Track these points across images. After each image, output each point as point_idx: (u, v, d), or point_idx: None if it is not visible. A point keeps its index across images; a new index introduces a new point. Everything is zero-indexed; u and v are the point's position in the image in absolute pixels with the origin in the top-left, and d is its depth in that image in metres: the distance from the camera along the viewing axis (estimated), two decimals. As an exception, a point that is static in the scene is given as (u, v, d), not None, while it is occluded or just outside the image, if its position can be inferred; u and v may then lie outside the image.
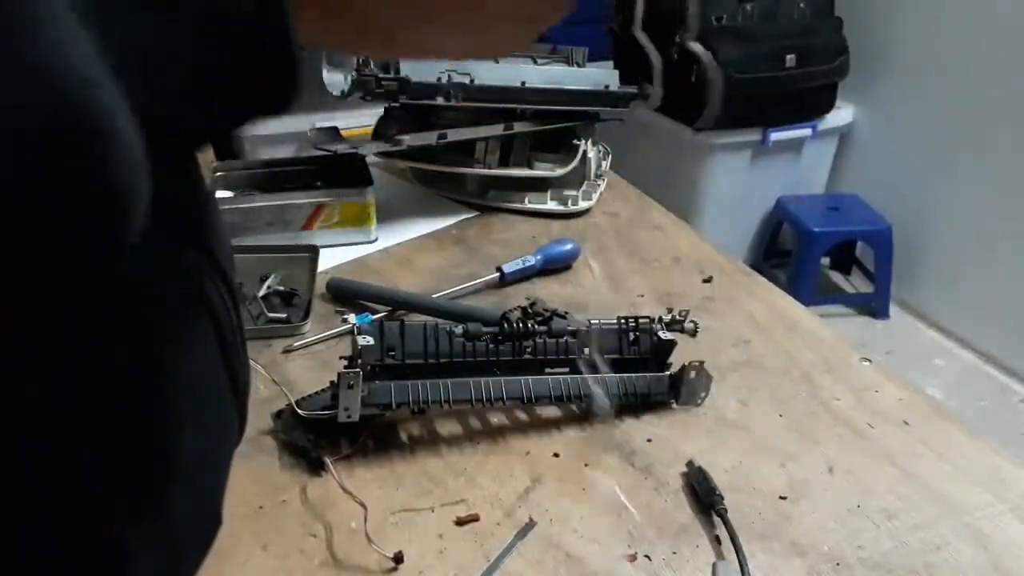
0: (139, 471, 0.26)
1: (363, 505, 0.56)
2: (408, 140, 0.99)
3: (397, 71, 0.96)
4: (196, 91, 0.22)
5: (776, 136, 2.29)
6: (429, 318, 0.79)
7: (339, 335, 0.79)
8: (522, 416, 0.70)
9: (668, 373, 0.71)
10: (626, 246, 1.01)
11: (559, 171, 1.07)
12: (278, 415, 0.67)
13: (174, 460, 0.28)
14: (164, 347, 0.27)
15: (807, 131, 2.35)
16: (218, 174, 1.04)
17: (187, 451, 0.28)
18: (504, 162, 1.07)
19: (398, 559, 0.54)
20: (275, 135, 1.69)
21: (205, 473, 0.31)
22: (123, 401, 0.25)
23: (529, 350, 0.69)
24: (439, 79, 0.98)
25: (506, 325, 0.68)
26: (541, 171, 1.08)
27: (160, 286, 0.26)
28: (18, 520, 0.23)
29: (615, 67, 1.11)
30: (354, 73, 0.94)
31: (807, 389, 0.75)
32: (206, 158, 1.06)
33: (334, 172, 1.04)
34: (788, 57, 2.16)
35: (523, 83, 1.02)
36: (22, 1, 0.16)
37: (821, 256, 2.38)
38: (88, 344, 0.23)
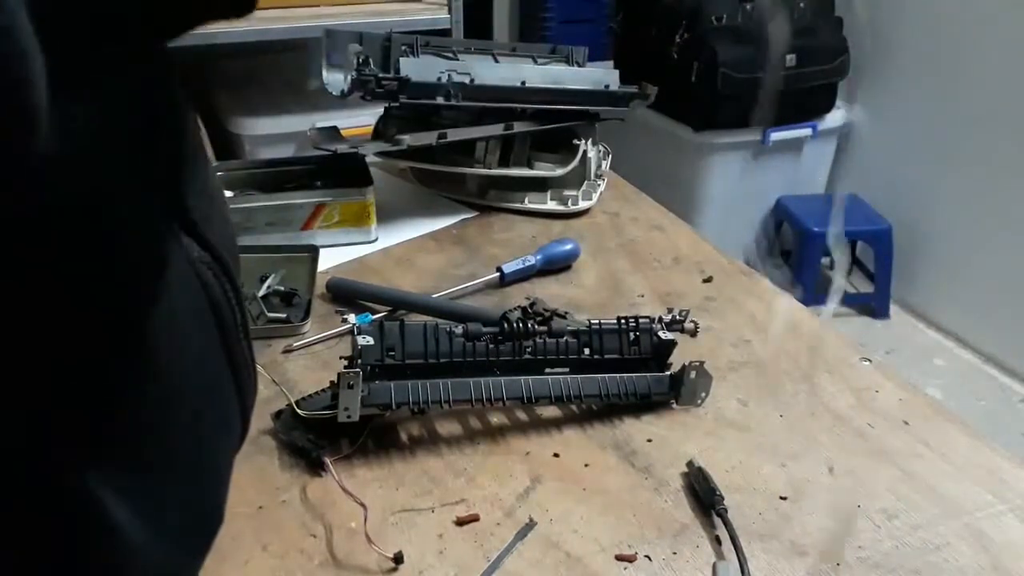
0: (123, 453, 0.25)
1: (363, 505, 0.56)
2: (408, 140, 0.99)
3: (397, 71, 0.96)
4: None
5: (776, 136, 2.30)
6: (429, 318, 0.79)
7: (339, 335, 0.79)
8: (522, 416, 0.70)
9: (668, 373, 0.71)
10: (626, 246, 1.01)
11: (559, 171, 1.07)
12: (278, 415, 0.67)
13: (165, 447, 0.27)
14: (151, 321, 0.26)
15: (807, 131, 2.35)
16: (218, 174, 1.04)
17: (182, 439, 0.28)
18: (504, 162, 1.07)
19: (398, 559, 0.54)
20: (275, 135, 1.69)
21: (203, 466, 0.31)
22: (107, 372, 0.24)
23: (529, 350, 0.69)
24: (439, 79, 0.98)
25: (506, 325, 0.68)
26: (541, 171, 1.07)
27: (143, 257, 0.25)
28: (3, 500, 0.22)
29: (615, 67, 1.11)
30: (354, 73, 0.94)
31: (807, 389, 0.75)
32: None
33: (334, 172, 1.04)
34: (788, 57, 2.16)
35: (523, 83, 1.02)
36: None
37: (821, 256, 2.38)
38: (66, 309, 0.23)
